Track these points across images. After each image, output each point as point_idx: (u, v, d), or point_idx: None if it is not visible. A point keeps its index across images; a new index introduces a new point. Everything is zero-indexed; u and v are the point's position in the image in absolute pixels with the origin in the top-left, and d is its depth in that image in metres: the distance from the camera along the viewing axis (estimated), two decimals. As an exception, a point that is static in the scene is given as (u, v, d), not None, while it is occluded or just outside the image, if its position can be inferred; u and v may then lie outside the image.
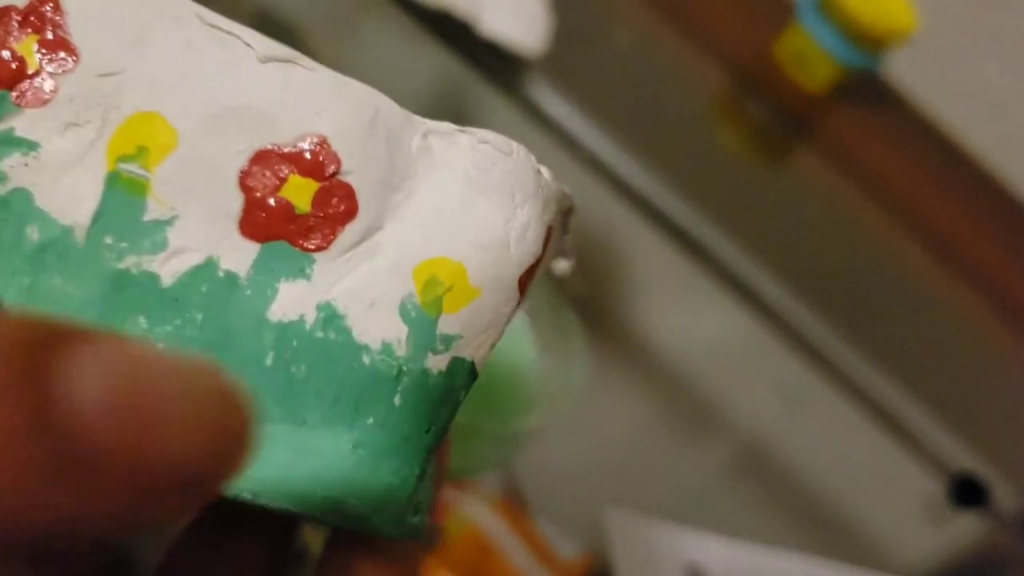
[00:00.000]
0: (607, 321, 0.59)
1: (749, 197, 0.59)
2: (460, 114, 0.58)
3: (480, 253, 0.18)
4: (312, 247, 0.17)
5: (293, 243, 0.17)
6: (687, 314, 0.60)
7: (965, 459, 0.54)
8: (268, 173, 0.17)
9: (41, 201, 0.17)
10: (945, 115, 0.69)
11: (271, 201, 0.17)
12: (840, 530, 0.59)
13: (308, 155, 0.17)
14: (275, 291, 0.17)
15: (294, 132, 0.17)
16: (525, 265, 0.18)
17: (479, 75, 0.51)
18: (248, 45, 0.17)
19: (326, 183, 0.17)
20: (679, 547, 0.47)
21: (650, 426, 0.59)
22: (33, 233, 0.17)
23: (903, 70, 0.68)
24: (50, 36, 0.17)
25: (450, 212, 0.18)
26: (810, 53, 0.62)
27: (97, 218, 0.17)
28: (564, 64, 0.53)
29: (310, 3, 0.55)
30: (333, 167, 0.17)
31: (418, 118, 0.18)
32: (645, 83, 0.60)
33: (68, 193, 0.17)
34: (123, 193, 0.17)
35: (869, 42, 0.61)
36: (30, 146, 0.17)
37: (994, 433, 0.58)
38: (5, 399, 0.09)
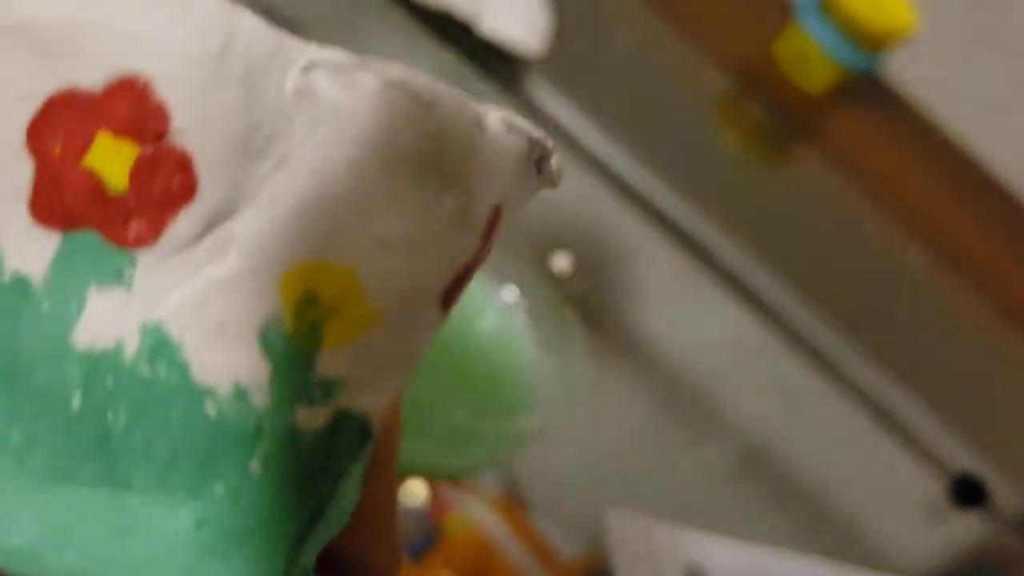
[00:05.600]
0: (607, 321, 0.59)
1: (749, 197, 0.59)
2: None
3: (383, 257, 0.12)
4: (132, 240, 0.12)
5: (105, 233, 0.12)
6: (687, 314, 0.60)
7: (965, 459, 0.54)
8: (67, 129, 0.12)
9: None
10: (945, 115, 0.69)
11: (72, 172, 0.12)
12: (840, 530, 0.59)
13: (122, 104, 0.12)
14: (81, 303, 0.12)
15: (105, 68, 0.12)
16: (452, 272, 0.13)
17: (479, 75, 0.51)
18: None
19: (149, 147, 0.12)
20: (679, 547, 0.47)
21: (650, 426, 0.59)
22: None
23: (903, 70, 0.68)
24: None
25: (340, 192, 0.12)
26: (810, 53, 0.62)
27: None
28: (564, 64, 0.53)
29: (310, 3, 0.55)
30: (159, 124, 0.12)
31: (297, 43, 0.12)
32: (645, 83, 0.60)
33: None
34: None
35: (869, 42, 0.61)
36: None
37: (994, 433, 0.58)
38: None
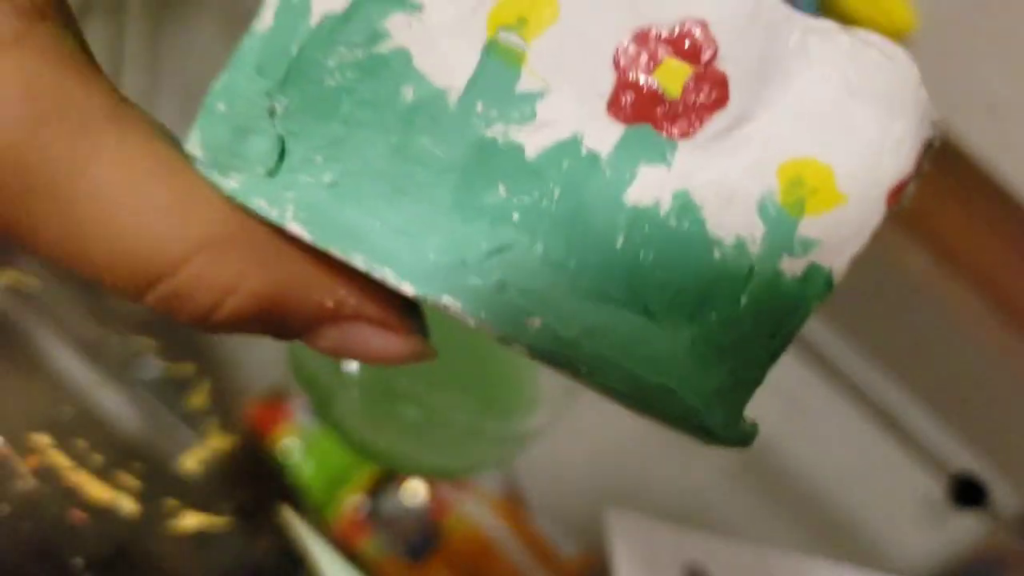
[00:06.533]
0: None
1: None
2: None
3: (851, 159, 0.17)
4: (676, 133, 0.17)
5: (658, 127, 0.17)
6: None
7: (965, 459, 0.54)
8: (644, 54, 0.17)
9: (419, 63, 0.17)
10: (945, 115, 0.69)
11: (643, 83, 0.17)
12: (840, 530, 0.59)
13: (687, 39, 0.17)
14: (633, 175, 0.17)
15: (675, 13, 0.17)
16: (896, 180, 0.18)
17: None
18: None
19: (700, 69, 0.17)
20: (679, 547, 0.47)
21: (650, 426, 0.58)
22: (408, 93, 0.17)
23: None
24: None
25: (823, 113, 0.17)
26: (810, 53, 0.62)
27: (471, 84, 0.17)
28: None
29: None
30: (710, 53, 0.17)
31: (799, 14, 0.17)
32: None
33: (445, 57, 0.17)
34: (499, 62, 0.17)
35: (869, 42, 0.61)
36: (414, 7, 0.17)
37: (994, 433, 0.58)
38: None
